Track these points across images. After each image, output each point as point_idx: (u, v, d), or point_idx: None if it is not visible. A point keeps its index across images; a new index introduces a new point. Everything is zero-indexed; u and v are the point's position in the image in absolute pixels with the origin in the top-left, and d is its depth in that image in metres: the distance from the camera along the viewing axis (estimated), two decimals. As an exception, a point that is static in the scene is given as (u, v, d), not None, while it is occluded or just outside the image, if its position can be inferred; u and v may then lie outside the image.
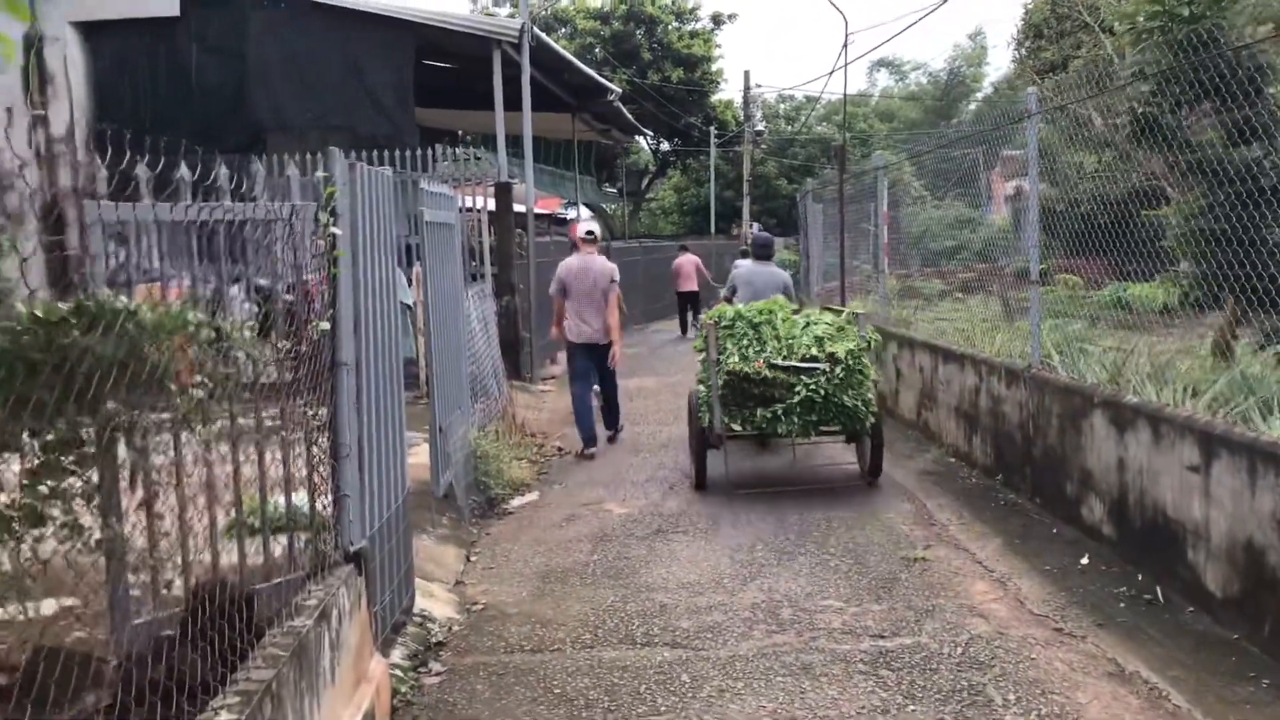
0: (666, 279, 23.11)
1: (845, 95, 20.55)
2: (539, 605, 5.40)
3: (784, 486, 7.74)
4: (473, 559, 6.30)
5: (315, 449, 4.08)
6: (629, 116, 20.41)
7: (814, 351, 7.27)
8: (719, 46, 35.65)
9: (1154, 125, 6.50)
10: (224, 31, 13.15)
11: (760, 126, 35.57)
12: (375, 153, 12.94)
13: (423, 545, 6.07)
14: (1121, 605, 5.08)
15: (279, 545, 3.75)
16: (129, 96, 12.83)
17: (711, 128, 34.45)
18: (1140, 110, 6.69)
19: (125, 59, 12.89)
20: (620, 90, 18.74)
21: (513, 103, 14.20)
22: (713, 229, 34.93)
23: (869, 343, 7.62)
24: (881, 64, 47.93)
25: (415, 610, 5.06)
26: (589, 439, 9.24)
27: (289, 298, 4.10)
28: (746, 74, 33.37)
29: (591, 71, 17.39)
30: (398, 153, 12.96)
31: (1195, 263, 7.05)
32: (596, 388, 9.55)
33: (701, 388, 7.70)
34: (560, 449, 9.54)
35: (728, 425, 7.36)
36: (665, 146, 37.99)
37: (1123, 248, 6.21)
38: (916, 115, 41.81)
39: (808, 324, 7.56)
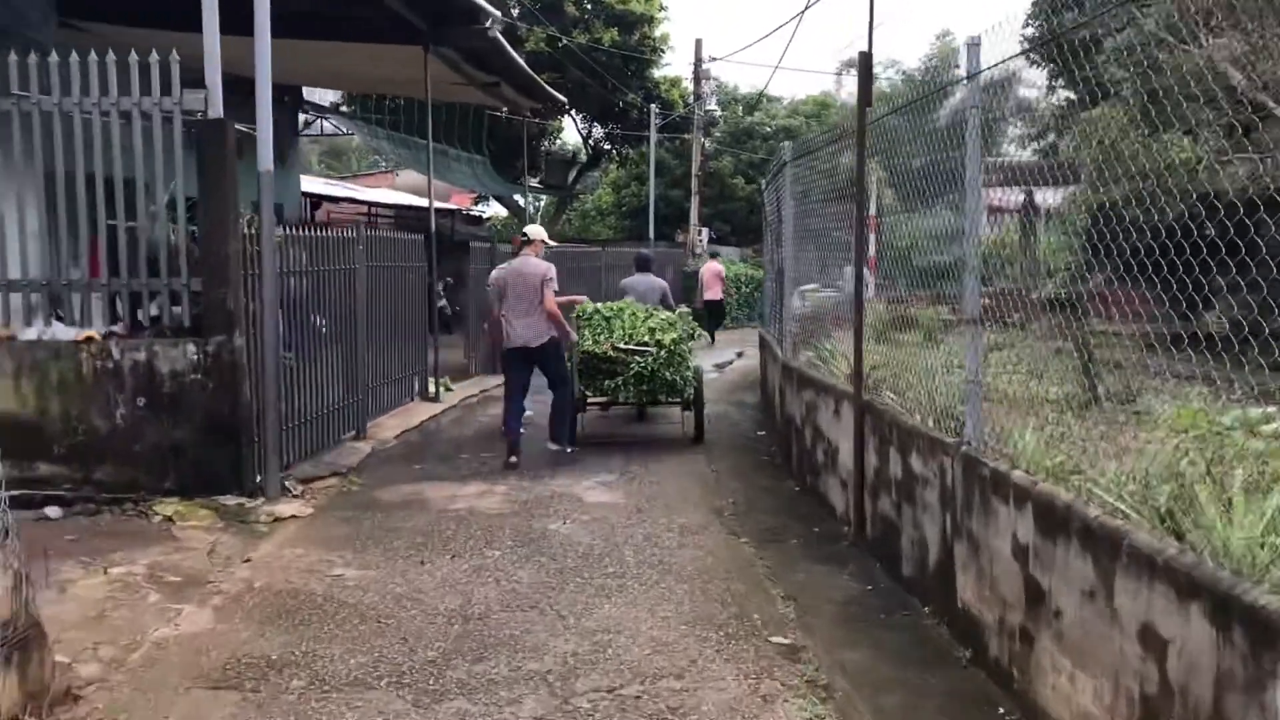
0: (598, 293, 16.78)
1: None
2: None
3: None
4: None
5: None
6: (518, 61, 13.93)
7: (647, 339, 9.52)
8: (664, 7, 28.90)
9: None
10: None
11: (713, 106, 28.87)
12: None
13: None
14: None
15: None
16: None
17: (653, 106, 27.71)
18: None
19: None
20: (497, 14, 12.29)
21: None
22: (651, 233, 28.22)
23: (691, 333, 9.99)
24: (850, 65, 41.74)
25: None
26: (513, 446, 8.91)
27: None
28: (698, 42, 27.06)
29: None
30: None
31: None
32: (529, 412, 9.55)
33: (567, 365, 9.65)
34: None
35: (583, 392, 9.75)
36: (598, 132, 31.18)
37: None
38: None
39: (647, 318, 9.72)
